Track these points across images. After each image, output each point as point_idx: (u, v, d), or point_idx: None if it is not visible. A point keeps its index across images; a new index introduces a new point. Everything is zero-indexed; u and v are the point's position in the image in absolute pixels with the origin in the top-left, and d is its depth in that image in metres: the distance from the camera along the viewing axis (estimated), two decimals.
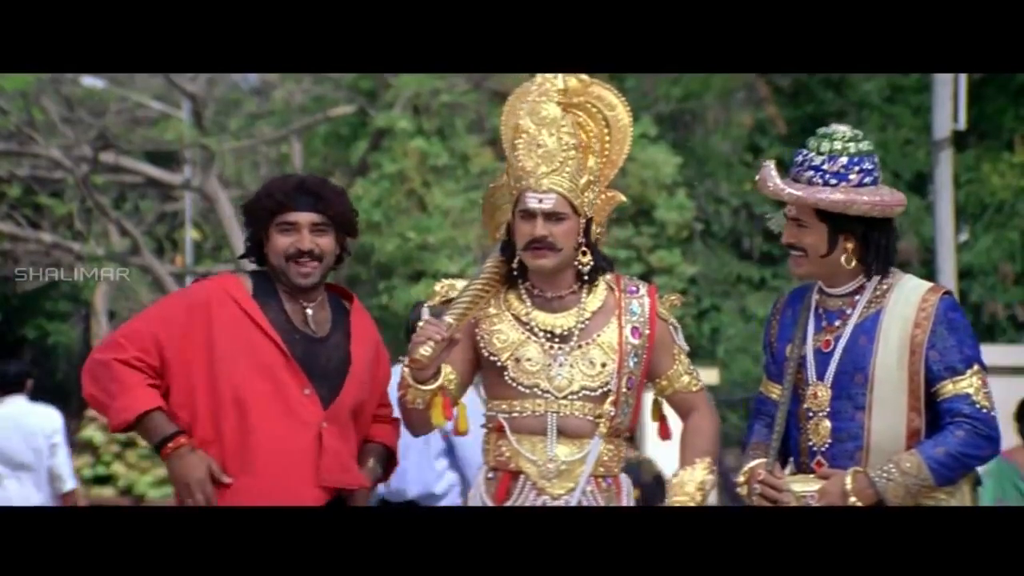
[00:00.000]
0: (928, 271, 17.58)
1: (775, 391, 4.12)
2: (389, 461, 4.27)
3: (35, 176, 18.31)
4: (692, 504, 4.05)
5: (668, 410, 4.23)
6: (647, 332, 4.11)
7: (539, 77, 4.10)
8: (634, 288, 4.16)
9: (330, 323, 4.13)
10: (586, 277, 4.10)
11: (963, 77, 13.44)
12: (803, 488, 3.95)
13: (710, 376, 16.52)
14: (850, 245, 4.02)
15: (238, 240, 16.12)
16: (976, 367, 3.96)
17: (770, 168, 4.01)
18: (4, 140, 17.27)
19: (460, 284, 4.13)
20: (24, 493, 8.47)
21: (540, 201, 4.01)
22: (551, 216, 4.01)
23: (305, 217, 4.06)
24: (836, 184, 3.98)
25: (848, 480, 3.90)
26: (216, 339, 3.98)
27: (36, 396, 8.99)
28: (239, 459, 3.96)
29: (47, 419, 8.46)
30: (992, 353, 9.92)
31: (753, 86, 21.08)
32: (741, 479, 4.07)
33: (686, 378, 4.19)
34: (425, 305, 4.10)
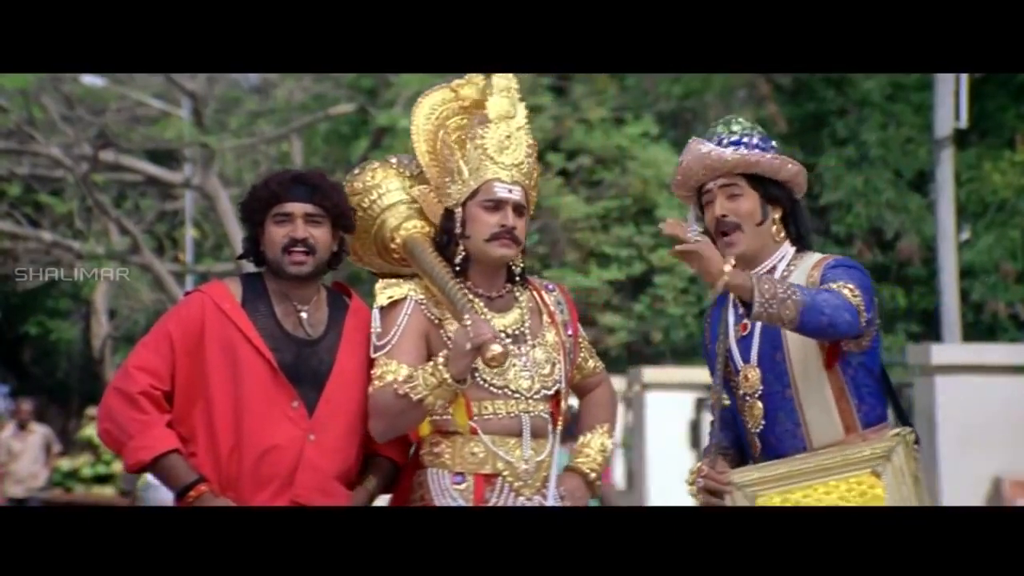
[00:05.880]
0: (929, 270, 17.58)
1: (727, 397, 4.12)
2: (396, 477, 4.15)
3: (35, 174, 18.31)
4: (595, 465, 4.10)
5: None
6: (572, 327, 4.14)
7: (500, 77, 4.09)
8: (550, 286, 4.18)
9: (326, 323, 4.09)
10: (517, 277, 4.10)
11: (964, 75, 13.41)
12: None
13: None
14: (777, 215, 4.03)
15: (238, 238, 16.09)
16: (856, 289, 3.86)
17: (701, 140, 4.02)
18: (4, 138, 17.26)
19: (406, 285, 4.03)
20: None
21: (510, 191, 3.99)
22: (517, 208, 4.00)
23: (299, 207, 4.04)
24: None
25: (728, 266, 3.74)
26: (208, 355, 3.96)
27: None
28: (233, 474, 3.95)
29: None
30: (993, 352, 9.84)
31: (754, 84, 21.05)
32: (688, 479, 4.06)
33: (592, 362, 4.24)
34: (375, 308, 3.99)
